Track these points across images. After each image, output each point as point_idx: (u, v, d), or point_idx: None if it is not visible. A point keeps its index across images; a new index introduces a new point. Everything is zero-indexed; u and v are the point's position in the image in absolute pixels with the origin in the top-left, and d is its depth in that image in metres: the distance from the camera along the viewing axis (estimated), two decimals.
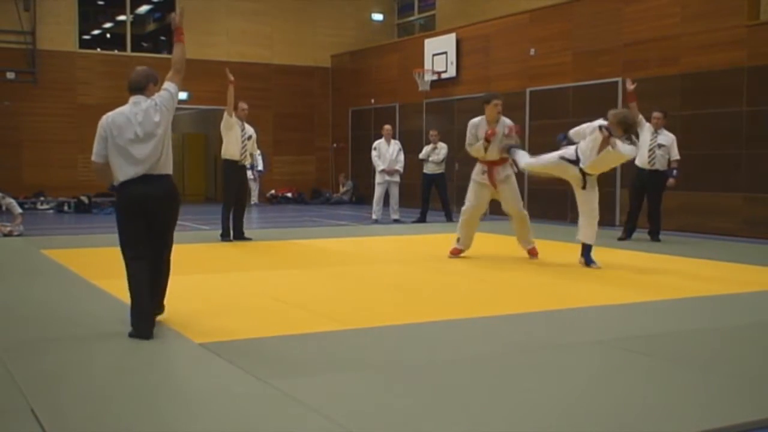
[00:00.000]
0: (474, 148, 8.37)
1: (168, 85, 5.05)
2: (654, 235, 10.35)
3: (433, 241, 10.78)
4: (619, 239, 10.26)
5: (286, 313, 5.66)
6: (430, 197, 13.74)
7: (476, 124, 8.41)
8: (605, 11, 13.38)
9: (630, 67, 12.87)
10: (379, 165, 13.79)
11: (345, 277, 7.39)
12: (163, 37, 20.90)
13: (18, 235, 10.86)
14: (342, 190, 19.89)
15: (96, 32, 20.06)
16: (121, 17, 19.36)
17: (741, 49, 11.33)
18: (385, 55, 19.07)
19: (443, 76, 16.63)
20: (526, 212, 8.58)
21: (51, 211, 16.78)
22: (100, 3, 20.08)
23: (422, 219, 13.64)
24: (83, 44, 18.67)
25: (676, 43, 12.17)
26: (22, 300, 6.05)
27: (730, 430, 3.31)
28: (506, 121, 8.41)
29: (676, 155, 10.18)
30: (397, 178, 13.82)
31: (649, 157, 10.15)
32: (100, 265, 7.96)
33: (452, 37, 16.53)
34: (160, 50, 20.52)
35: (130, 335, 4.71)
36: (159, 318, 5.02)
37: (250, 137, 10.34)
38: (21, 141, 17.54)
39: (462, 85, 16.46)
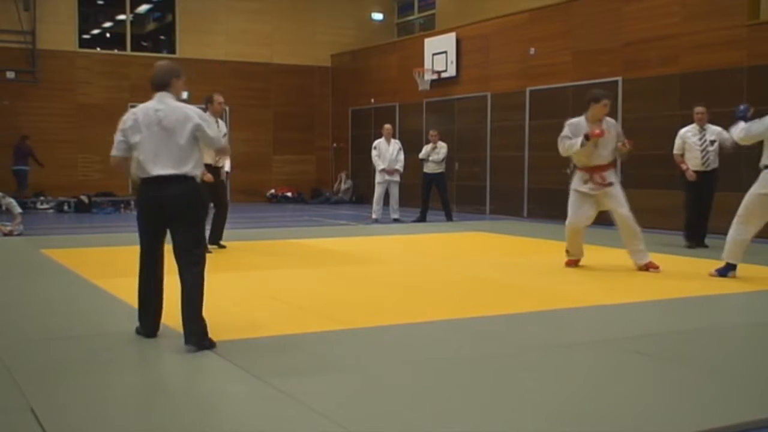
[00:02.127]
0: (568, 145, 7.53)
1: (220, 132, 4.77)
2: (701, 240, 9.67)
3: (433, 240, 10.79)
4: (687, 247, 9.54)
5: (286, 313, 5.66)
6: (430, 197, 13.74)
7: (576, 123, 7.59)
8: (605, 11, 13.38)
9: (630, 66, 12.88)
10: (380, 164, 13.78)
11: (345, 277, 7.39)
12: (162, 37, 20.90)
13: (18, 235, 10.87)
14: (343, 188, 19.88)
15: (96, 32, 20.05)
16: (121, 17, 19.36)
17: (741, 49, 11.33)
18: (385, 55, 19.07)
19: (443, 75, 16.63)
20: (631, 215, 7.67)
21: (51, 210, 16.77)
22: (100, 3, 20.07)
23: (422, 219, 13.64)
24: (83, 44, 18.67)
25: (676, 43, 12.17)
26: (22, 299, 6.05)
27: (730, 430, 3.31)
28: (610, 122, 7.70)
29: (728, 136, 8.62)
30: (397, 178, 13.82)
31: (702, 158, 9.55)
32: (100, 264, 7.97)
33: (452, 36, 16.53)
34: (160, 50, 20.53)
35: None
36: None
37: (225, 134, 9.44)
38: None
39: (462, 84, 16.46)
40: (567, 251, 7.99)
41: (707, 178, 9.61)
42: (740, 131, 7.10)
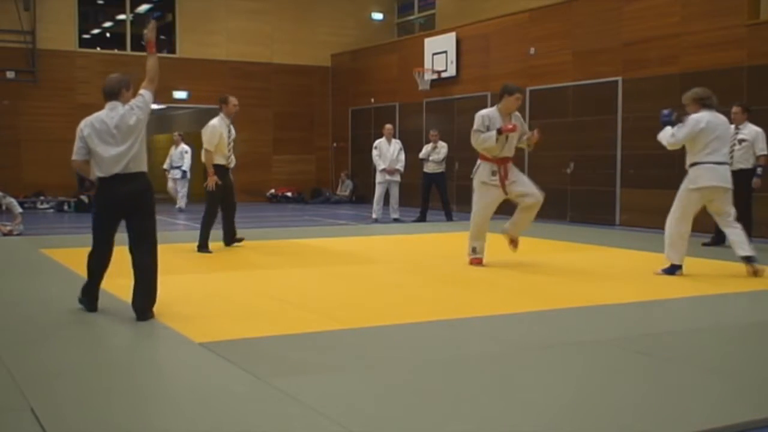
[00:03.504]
0: (482, 138, 7.68)
1: (143, 92, 5.47)
2: None
3: (434, 240, 10.78)
4: (704, 245, 9.52)
5: (286, 313, 5.66)
6: (430, 197, 13.74)
7: (489, 115, 7.79)
8: (605, 10, 13.38)
9: (630, 66, 12.88)
10: (380, 164, 13.78)
11: (345, 276, 7.39)
12: (162, 37, 20.89)
13: (18, 235, 10.87)
14: (342, 191, 19.87)
15: (96, 31, 20.05)
16: (121, 16, 19.37)
17: (741, 49, 11.33)
18: (385, 55, 19.07)
19: (443, 75, 16.63)
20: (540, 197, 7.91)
21: (51, 210, 16.78)
22: (100, 2, 20.08)
23: (422, 218, 13.64)
24: (83, 43, 18.67)
25: (676, 42, 12.17)
26: (21, 299, 6.06)
27: (730, 429, 3.31)
28: (517, 116, 7.94)
29: (762, 150, 9.25)
30: (397, 178, 13.82)
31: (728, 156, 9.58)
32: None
33: (452, 36, 16.53)
34: (159, 49, 20.50)
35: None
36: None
37: (233, 138, 9.26)
38: (21, 141, 17.54)
39: (462, 84, 16.46)
40: (474, 249, 7.94)
41: (734, 178, 9.38)
42: (669, 137, 7.36)
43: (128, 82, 5.49)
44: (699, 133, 7.12)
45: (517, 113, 7.98)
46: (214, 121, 9.06)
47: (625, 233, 11.35)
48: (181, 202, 16.81)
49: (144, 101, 5.43)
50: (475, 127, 7.79)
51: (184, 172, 16.77)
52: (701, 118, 7.15)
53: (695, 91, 7.38)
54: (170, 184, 17.06)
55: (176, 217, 14.95)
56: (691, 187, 7.21)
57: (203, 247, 8.95)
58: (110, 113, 5.34)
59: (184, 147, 16.83)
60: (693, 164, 7.22)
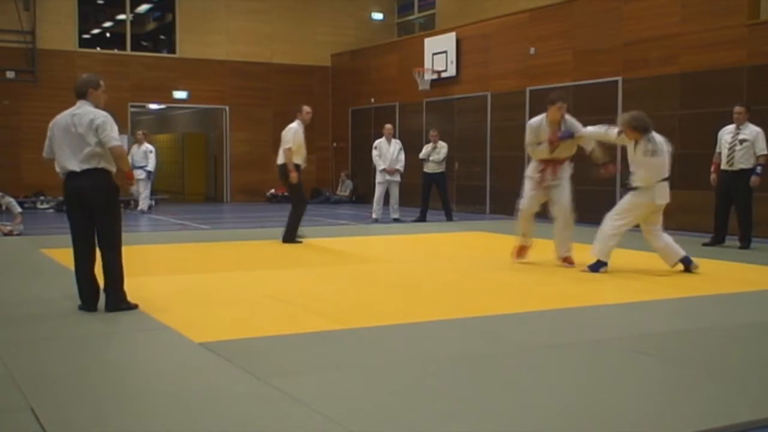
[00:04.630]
0: (538, 151, 7.93)
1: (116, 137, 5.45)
2: (743, 242, 9.48)
3: (434, 240, 10.79)
4: (704, 245, 9.56)
5: (286, 313, 5.66)
6: (430, 196, 13.74)
7: (535, 125, 7.95)
8: (605, 10, 13.38)
9: (630, 66, 12.87)
10: (380, 164, 13.78)
11: (345, 276, 7.39)
12: (162, 36, 20.90)
13: (18, 235, 10.87)
14: (342, 191, 19.85)
15: (96, 31, 20.05)
16: (121, 16, 19.36)
17: (741, 49, 11.33)
18: (384, 55, 19.07)
19: (443, 75, 16.62)
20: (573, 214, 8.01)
21: (51, 210, 16.77)
22: (100, 2, 20.08)
23: (422, 218, 13.64)
24: (83, 43, 18.66)
25: (676, 42, 12.17)
26: (21, 299, 6.05)
27: (730, 429, 3.31)
28: (571, 121, 7.94)
29: (762, 150, 9.31)
30: (397, 178, 13.82)
31: (728, 156, 9.47)
32: (100, 264, 7.95)
33: (452, 36, 16.52)
34: (159, 49, 20.53)
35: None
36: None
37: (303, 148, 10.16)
38: (21, 141, 17.53)
39: (462, 84, 16.45)
40: (523, 234, 8.18)
41: (733, 178, 9.50)
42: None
43: (95, 81, 5.59)
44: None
45: (568, 118, 7.95)
46: (295, 125, 10.00)
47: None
48: (144, 204, 15.94)
49: (115, 128, 5.48)
50: (527, 141, 8.03)
51: (149, 172, 15.97)
52: (659, 141, 7.33)
53: (632, 116, 7.42)
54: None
55: (138, 221, 14.24)
56: (646, 201, 7.38)
57: (294, 237, 9.91)
58: (76, 111, 5.47)
59: (147, 146, 16.06)
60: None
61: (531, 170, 8.10)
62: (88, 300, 5.51)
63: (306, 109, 10.25)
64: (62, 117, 5.52)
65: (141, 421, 3.35)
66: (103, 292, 5.50)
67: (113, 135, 5.42)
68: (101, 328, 5.11)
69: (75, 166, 5.41)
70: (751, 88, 11.09)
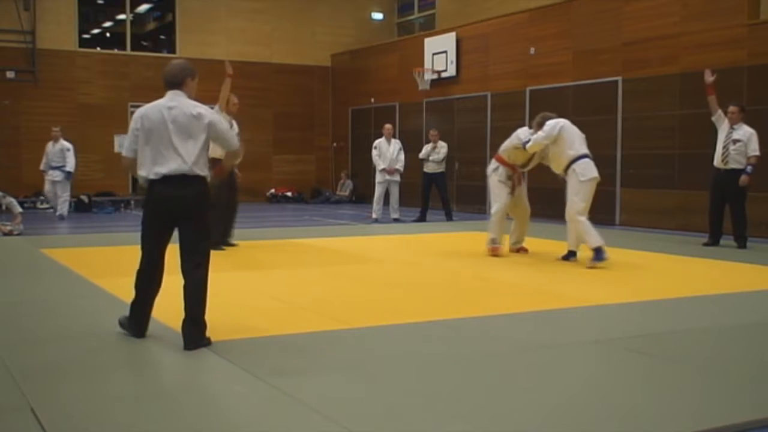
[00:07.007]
0: (519, 157, 8.72)
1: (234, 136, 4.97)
2: (739, 241, 9.56)
3: (434, 240, 10.78)
4: (704, 245, 9.63)
5: (286, 312, 5.66)
6: (430, 196, 13.75)
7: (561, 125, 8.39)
8: (605, 10, 13.38)
9: (630, 66, 12.88)
10: (380, 164, 13.78)
11: (345, 276, 7.39)
12: (162, 36, 20.89)
13: (18, 235, 10.87)
14: (342, 191, 19.85)
15: (96, 31, 20.04)
16: (121, 16, 19.36)
17: (741, 49, 11.33)
18: (384, 55, 19.07)
19: (443, 75, 16.62)
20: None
21: (51, 210, 16.77)
22: (100, 2, 20.07)
23: (422, 218, 13.64)
24: (83, 43, 18.66)
25: (676, 42, 12.17)
26: (22, 299, 6.06)
27: (730, 430, 3.31)
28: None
29: (753, 150, 9.43)
30: (397, 178, 13.82)
31: (723, 154, 9.55)
32: (100, 264, 7.97)
33: (452, 36, 16.52)
34: (159, 49, 20.53)
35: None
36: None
37: (238, 134, 9.33)
38: (21, 141, 17.53)
39: (462, 84, 16.45)
40: (494, 240, 8.69)
41: (727, 176, 9.55)
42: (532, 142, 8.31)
43: (193, 71, 4.70)
44: (560, 132, 7.98)
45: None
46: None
47: (625, 233, 11.34)
48: (63, 209, 14.30)
49: (227, 125, 4.94)
50: (543, 136, 8.27)
51: (69, 173, 14.26)
52: (557, 121, 8.10)
53: (543, 115, 8.35)
54: (48, 186, 14.37)
55: (57, 226, 13.27)
56: (582, 180, 7.98)
57: (218, 243, 8.79)
58: (170, 102, 4.60)
59: (64, 144, 14.29)
60: (574, 159, 7.99)
61: (502, 175, 8.77)
62: (141, 324, 4.76)
63: (232, 99, 10.08)
64: (152, 109, 4.55)
65: (141, 420, 3.35)
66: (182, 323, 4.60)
67: (232, 133, 4.71)
68: (100, 327, 5.10)
69: (172, 170, 4.47)
70: (751, 88, 11.09)
